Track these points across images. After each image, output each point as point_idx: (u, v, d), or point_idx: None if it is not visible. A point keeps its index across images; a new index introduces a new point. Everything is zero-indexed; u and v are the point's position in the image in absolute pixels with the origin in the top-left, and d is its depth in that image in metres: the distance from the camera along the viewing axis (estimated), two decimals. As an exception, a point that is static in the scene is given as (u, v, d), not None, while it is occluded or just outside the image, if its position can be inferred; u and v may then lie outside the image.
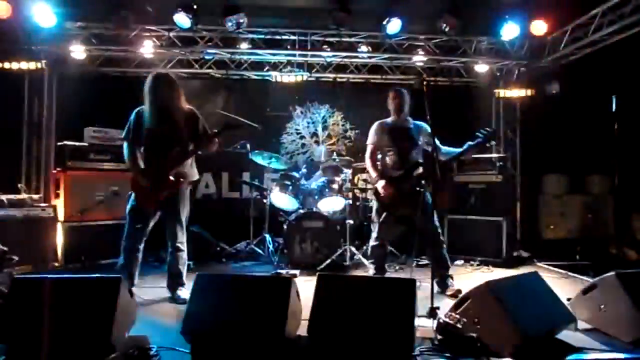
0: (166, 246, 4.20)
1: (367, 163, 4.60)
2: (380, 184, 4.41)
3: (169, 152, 4.01)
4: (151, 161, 4.05)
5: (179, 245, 4.15)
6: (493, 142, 4.33)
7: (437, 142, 4.42)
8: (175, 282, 4.15)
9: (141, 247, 4.12)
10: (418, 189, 4.21)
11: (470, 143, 4.25)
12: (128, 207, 4.11)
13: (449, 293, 4.27)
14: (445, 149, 4.39)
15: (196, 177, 4.34)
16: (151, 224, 4.14)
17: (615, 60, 5.77)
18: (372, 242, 4.67)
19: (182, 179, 4.08)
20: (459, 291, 4.11)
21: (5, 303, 2.83)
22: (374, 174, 4.54)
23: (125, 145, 4.12)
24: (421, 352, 2.88)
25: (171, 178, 4.00)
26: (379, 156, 4.61)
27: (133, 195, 4.08)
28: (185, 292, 4.07)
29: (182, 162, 4.06)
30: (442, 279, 4.41)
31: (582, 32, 5.78)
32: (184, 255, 4.20)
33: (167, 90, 4.01)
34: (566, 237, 6.43)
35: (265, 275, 4.69)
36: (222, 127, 4.20)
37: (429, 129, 4.40)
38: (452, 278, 4.47)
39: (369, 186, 6.89)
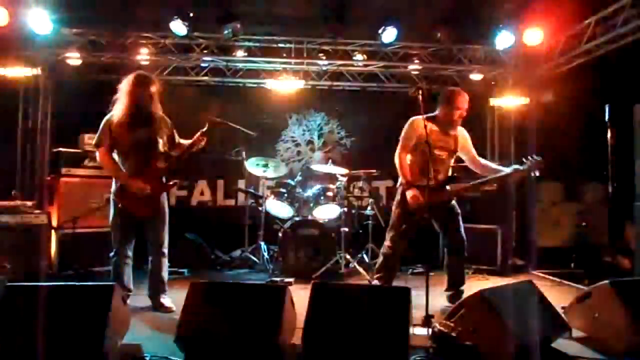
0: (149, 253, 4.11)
1: (399, 161, 4.14)
2: (410, 194, 4.00)
3: (152, 156, 3.94)
4: (136, 166, 3.90)
5: (164, 250, 4.09)
6: (537, 173, 4.15)
7: (475, 153, 4.35)
8: (158, 289, 4.09)
9: (131, 254, 4.07)
10: (451, 202, 4.13)
11: (517, 167, 4.12)
12: (114, 214, 3.97)
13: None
14: (485, 162, 4.30)
15: None
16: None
17: (609, 70, 5.81)
18: (384, 250, 4.28)
19: (174, 182, 4.07)
20: None
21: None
22: (403, 178, 4.11)
23: (100, 152, 3.90)
24: (416, 361, 2.87)
25: (168, 183, 4.01)
26: (409, 157, 4.17)
27: (118, 200, 3.92)
28: (168, 300, 4.05)
29: (172, 169, 4.03)
30: (457, 293, 4.21)
31: (576, 42, 5.83)
32: (167, 261, 4.14)
33: (149, 91, 3.89)
34: (560, 245, 6.44)
35: (259, 283, 4.68)
36: (195, 139, 4.08)
37: (468, 136, 4.32)
38: (463, 292, 4.23)
39: (365, 194, 6.91)
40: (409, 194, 4.01)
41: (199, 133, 4.07)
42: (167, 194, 4.21)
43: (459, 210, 4.26)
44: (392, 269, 4.33)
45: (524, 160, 4.04)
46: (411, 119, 4.19)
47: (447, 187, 4.12)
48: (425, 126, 3.77)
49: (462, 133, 4.30)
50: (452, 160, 4.31)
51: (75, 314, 2.71)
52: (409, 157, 4.17)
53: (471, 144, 4.35)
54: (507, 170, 4.16)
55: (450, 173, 4.26)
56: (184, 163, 4.22)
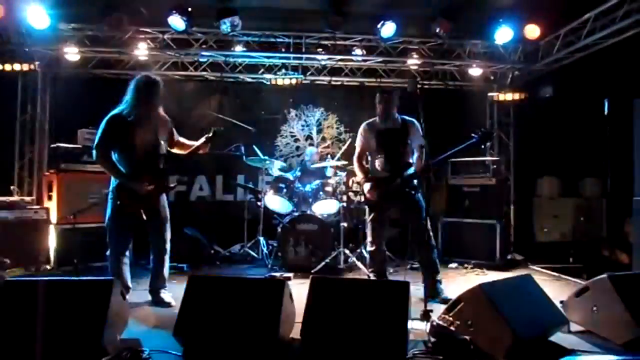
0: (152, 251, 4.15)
1: (355, 165, 4.56)
2: (366, 187, 4.37)
3: (155, 157, 3.96)
4: (139, 166, 3.88)
5: (167, 248, 4.13)
6: (488, 143, 4.22)
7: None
8: (159, 285, 4.12)
9: (128, 253, 4.08)
10: (407, 189, 4.19)
11: (464, 144, 4.18)
12: (111, 213, 3.93)
13: (438, 300, 4.06)
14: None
15: None
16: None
17: (608, 64, 5.81)
18: (368, 247, 4.56)
19: (174, 184, 4.13)
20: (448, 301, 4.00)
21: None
22: (360, 176, 4.49)
23: (101, 151, 3.83)
24: (414, 355, 2.88)
25: (168, 184, 4.09)
26: (368, 158, 4.55)
27: (118, 200, 3.88)
28: (168, 295, 4.08)
29: (173, 171, 4.09)
30: (432, 284, 4.22)
31: (575, 36, 5.82)
32: (168, 258, 4.18)
33: (157, 96, 3.92)
34: (559, 240, 6.46)
35: (258, 278, 4.68)
36: (196, 147, 4.15)
37: (418, 125, 4.34)
38: (440, 283, 4.31)
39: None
40: (365, 188, 4.40)
41: (203, 139, 4.10)
42: (167, 194, 4.22)
43: (422, 204, 4.30)
44: (381, 262, 4.56)
45: (472, 134, 4.07)
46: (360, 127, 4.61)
47: (410, 171, 4.24)
48: (371, 127, 4.44)
49: (409, 123, 4.39)
50: (407, 150, 4.38)
51: (75, 309, 2.72)
52: (369, 158, 4.54)
53: (419, 134, 4.32)
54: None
55: (409, 161, 4.36)
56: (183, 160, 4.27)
